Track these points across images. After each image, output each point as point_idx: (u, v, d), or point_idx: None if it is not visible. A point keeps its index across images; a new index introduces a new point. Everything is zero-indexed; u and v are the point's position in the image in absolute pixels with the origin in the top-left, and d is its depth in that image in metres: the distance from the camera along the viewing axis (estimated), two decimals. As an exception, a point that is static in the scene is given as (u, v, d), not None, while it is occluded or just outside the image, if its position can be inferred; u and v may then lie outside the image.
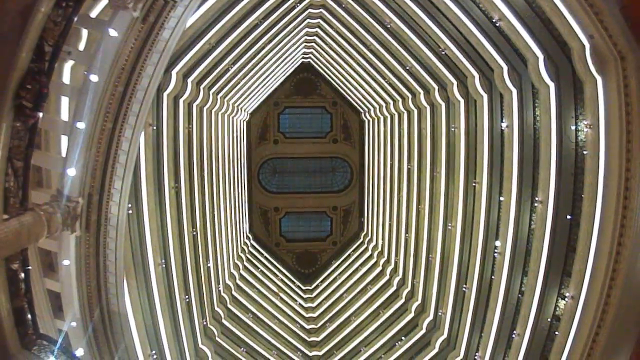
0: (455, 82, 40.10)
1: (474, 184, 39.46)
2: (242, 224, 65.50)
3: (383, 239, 60.57)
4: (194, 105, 43.28)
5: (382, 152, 61.44)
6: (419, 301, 48.58)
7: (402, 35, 41.89)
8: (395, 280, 53.95)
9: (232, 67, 46.68)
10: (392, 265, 56.06)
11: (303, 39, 57.32)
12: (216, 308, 46.34)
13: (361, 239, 69.45)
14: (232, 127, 60.23)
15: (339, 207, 74.09)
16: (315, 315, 59.86)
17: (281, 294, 60.78)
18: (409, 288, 51.16)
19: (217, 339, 44.07)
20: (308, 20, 50.97)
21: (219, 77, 46.23)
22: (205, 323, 43.00)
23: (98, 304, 26.42)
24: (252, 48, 46.78)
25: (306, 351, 53.27)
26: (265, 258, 68.69)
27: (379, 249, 61.58)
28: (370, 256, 63.30)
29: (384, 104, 58.34)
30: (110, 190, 26.65)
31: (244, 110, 64.74)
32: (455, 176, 42.23)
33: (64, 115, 25.55)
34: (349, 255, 68.29)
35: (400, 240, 54.08)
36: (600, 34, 21.92)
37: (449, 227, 43.41)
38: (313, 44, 59.60)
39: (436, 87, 43.27)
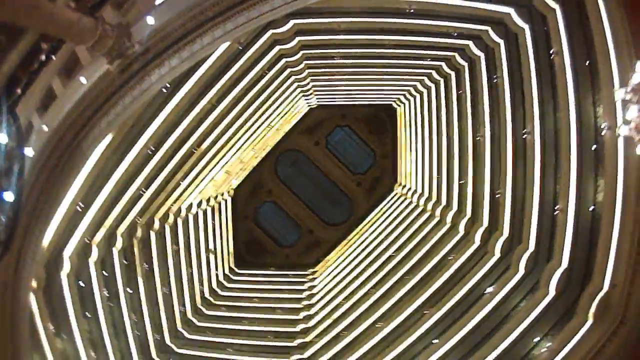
0: (484, 226, 40.11)
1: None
2: (234, 178, 65.68)
3: (322, 289, 60.25)
4: (284, 59, 43.59)
5: (383, 229, 61.14)
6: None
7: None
8: (300, 327, 53.61)
9: (338, 59, 46.90)
10: (308, 312, 55.82)
11: (412, 86, 56.83)
12: (156, 218, 46.27)
13: (307, 273, 68.99)
14: (295, 104, 60.59)
15: (315, 234, 73.96)
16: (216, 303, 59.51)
17: (210, 253, 60.56)
18: (305, 339, 50.89)
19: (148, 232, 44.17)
20: (430, 72, 50.54)
21: (321, 57, 46.47)
22: (138, 220, 42.92)
23: (77, 132, 26.56)
24: (366, 59, 47.00)
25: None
26: (226, 217, 68.64)
27: (311, 293, 61.21)
28: (300, 291, 62.93)
29: (417, 196, 58.14)
30: (166, 60, 26.97)
31: (316, 99, 64.94)
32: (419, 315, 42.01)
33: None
34: (287, 276, 68.06)
35: (332, 304, 53.94)
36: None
37: (377, 325, 43.49)
38: (418, 95, 58.89)
39: (468, 214, 43.28)
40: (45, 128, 25.44)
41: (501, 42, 35.87)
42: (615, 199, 23.54)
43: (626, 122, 21.53)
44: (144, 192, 40.68)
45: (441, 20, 37.90)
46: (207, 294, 57.26)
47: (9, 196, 22.99)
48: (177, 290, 49.39)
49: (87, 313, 34.87)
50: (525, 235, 33.80)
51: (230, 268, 67.14)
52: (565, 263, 28.41)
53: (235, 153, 55.24)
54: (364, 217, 71.04)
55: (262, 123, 55.38)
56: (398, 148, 70.08)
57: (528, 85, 32.96)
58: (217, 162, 51.70)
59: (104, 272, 37.20)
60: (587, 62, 26.73)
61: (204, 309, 54.70)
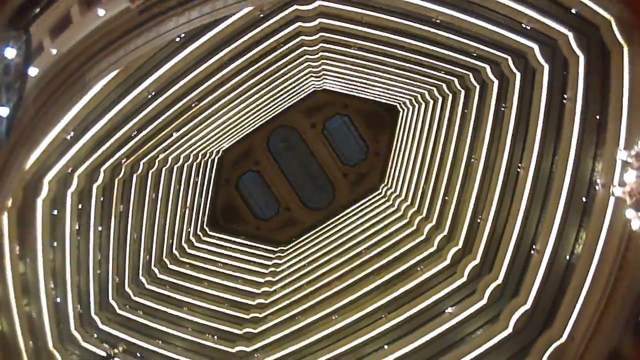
0: (458, 247, 40.52)
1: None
2: (227, 139, 65.61)
3: (287, 268, 60.73)
4: (302, 37, 43.24)
5: (359, 224, 61.44)
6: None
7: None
8: (258, 301, 53.91)
9: (354, 49, 46.61)
10: (268, 289, 56.29)
11: (420, 93, 56.74)
12: (142, 162, 46.09)
13: (275, 252, 68.91)
14: (302, 82, 60.29)
15: (292, 213, 74.01)
16: (181, 259, 59.52)
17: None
18: (259, 314, 51.26)
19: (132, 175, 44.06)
20: (441, 85, 50.46)
21: (338, 43, 46.09)
22: (123, 161, 42.66)
23: (84, 62, 26.43)
24: (381, 56, 46.66)
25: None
26: (209, 177, 68.64)
27: (275, 271, 61.49)
28: (266, 266, 63.19)
29: (399, 201, 58.35)
30: (187, 10, 27.17)
31: (323, 82, 64.64)
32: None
33: None
34: (256, 248, 68.23)
35: (294, 286, 54.54)
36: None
37: (333, 317, 43.97)
38: (424, 104, 58.25)
39: (445, 232, 43.66)
40: (54, 51, 25.23)
41: (518, 74, 35.88)
42: (593, 255, 23.87)
43: (622, 184, 21.71)
44: (135, 135, 40.56)
45: (464, 38, 37.73)
46: (174, 249, 57.25)
47: (4, 111, 22.92)
48: (147, 238, 49.37)
49: (54, 243, 34.75)
50: (497, 266, 34.15)
51: (202, 228, 67.25)
52: (529, 303, 28.78)
53: (233, 116, 54.99)
54: (344, 208, 71.00)
55: (266, 93, 55.12)
56: (392, 149, 70.08)
57: (534, 123, 33.13)
58: (214, 121, 51.54)
59: (79, 205, 37.07)
60: (598, 116, 26.90)
61: (168, 262, 54.69)
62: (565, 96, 30.06)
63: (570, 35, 28.61)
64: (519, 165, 34.62)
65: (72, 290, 37.11)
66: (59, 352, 34.47)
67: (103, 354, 36.10)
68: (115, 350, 34.94)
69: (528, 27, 31.36)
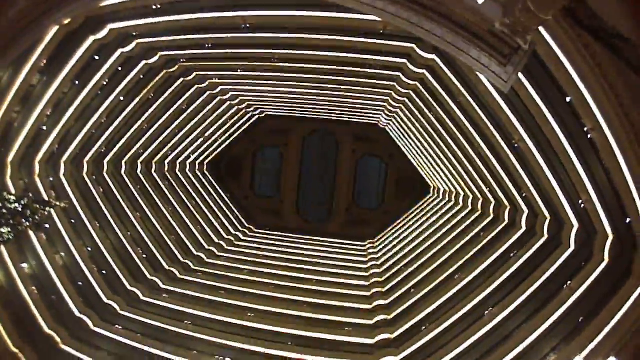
0: (394, 335, 40.19)
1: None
2: (278, 108, 65.97)
3: (238, 246, 61.20)
4: (400, 74, 42.90)
5: (325, 260, 61.21)
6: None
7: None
8: (201, 254, 53.94)
9: (433, 115, 46.42)
10: (216, 251, 56.28)
11: (456, 194, 56.75)
12: (195, 72, 46.34)
13: (245, 227, 69.47)
14: (372, 110, 60.54)
15: (283, 205, 74.13)
16: (166, 173, 59.81)
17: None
18: (195, 267, 51.19)
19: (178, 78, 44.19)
20: (478, 199, 50.75)
21: (424, 102, 45.65)
22: (181, 61, 42.94)
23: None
24: (451, 138, 46.21)
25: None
26: (239, 127, 68.99)
27: (233, 241, 61.68)
28: (229, 232, 63.25)
29: (372, 264, 58.18)
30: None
31: (387, 124, 64.80)
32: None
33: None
34: (231, 211, 68.58)
35: (233, 264, 54.69)
36: None
37: (248, 315, 43.82)
38: (453, 202, 58.53)
39: (390, 317, 43.37)
40: None
41: (546, 236, 35.45)
42: None
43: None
44: (207, 47, 40.67)
45: (526, 175, 36.77)
46: (167, 162, 57.47)
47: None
48: (151, 135, 49.55)
49: (77, 82, 35.04)
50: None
51: (201, 163, 67.59)
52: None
53: (297, 93, 55.11)
54: (326, 235, 70.91)
55: (337, 96, 54.99)
56: (401, 219, 69.82)
57: (527, 285, 32.92)
58: (278, 86, 51.70)
59: (120, 67, 37.36)
60: (582, 318, 26.66)
61: (153, 168, 54.83)
62: (569, 283, 29.73)
63: (611, 238, 28.20)
64: (490, 308, 34.32)
65: (61, 129, 37.41)
66: (11, 169, 34.76)
67: (45, 198, 36.19)
68: (57, 203, 34.92)
69: (582, 205, 30.88)
